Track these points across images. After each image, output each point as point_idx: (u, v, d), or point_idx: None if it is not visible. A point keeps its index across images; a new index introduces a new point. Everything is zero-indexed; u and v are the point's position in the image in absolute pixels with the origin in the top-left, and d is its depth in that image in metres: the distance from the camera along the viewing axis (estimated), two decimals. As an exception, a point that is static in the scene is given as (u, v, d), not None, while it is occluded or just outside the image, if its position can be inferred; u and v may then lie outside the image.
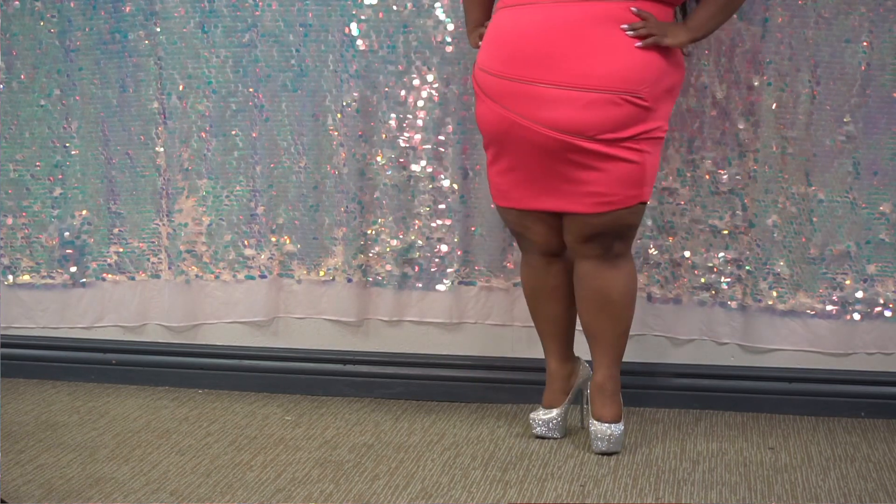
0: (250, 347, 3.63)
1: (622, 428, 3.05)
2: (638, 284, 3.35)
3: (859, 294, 3.31)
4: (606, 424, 3.04)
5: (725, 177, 3.32)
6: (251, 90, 3.48)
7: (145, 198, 3.58)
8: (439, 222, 3.46)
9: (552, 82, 2.87)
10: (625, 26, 2.84)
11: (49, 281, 3.65)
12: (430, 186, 3.44)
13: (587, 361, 3.18)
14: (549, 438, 3.15)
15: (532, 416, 3.16)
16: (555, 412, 3.14)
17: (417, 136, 3.43)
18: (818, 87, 3.24)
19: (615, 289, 3.01)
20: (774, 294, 3.34)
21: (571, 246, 3.03)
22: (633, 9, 2.85)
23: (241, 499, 2.79)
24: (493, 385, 3.46)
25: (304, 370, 3.58)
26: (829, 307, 3.32)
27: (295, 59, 3.45)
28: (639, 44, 2.85)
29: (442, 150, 3.42)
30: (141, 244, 3.60)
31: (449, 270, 3.47)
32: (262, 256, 3.55)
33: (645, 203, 2.99)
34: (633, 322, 3.33)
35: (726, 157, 3.32)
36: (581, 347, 3.16)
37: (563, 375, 3.16)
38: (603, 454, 3.04)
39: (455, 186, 3.43)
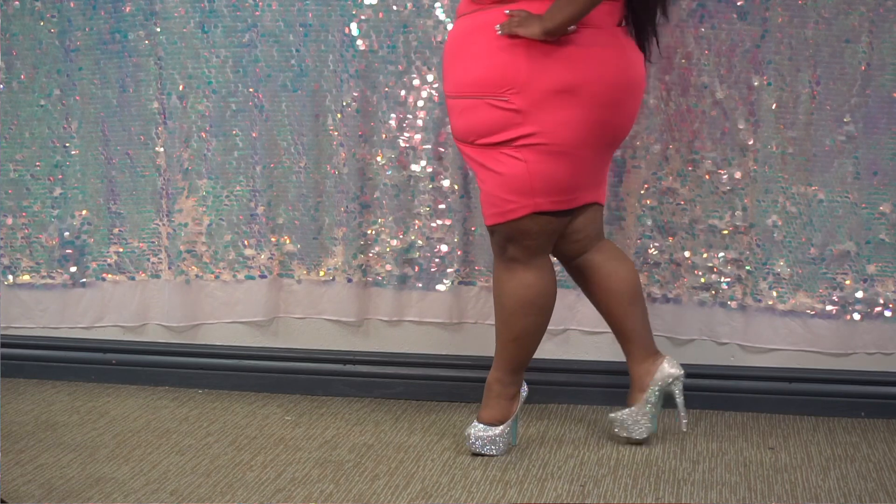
0: (250, 347, 3.63)
1: (496, 432, 3.03)
2: (640, 284, 3.32)
3: (859, 294, 3.31)
4: (482, 425, 3.04)
5: (725, 177, 3.32)
6: (251, 90, 3.48)
7: (145, 198, 3.58)
8: (439, 222, 3.46)
9: (446, 93, 2.96)
10: (497, 26, 2.80)
11: (49, 281, 3.65)
12: (430, 186, 3.44)
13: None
14: (630, 440, 3.10)
15: (609, 416, 3.12)
16: (630, 409, 3.10)
17: (417, 136, 3.43)
18: (818, 87, 3.24)
19: (504, 293, 2.97)
20: (774, 294, 3.34)
21: None
22: (506, 11, 2.81)
23: (241, 499, 2.79)
24: (493, 385, 3.46)
25: (304, 370, 3.58)
26: (829, 307, 3.32)
27: (295, 59, 3.45)
28: (498, 29, 2.80)
29: (442, 150, 3.42)
30: (141, 244, 3.60)
31: (449, 270, 3.47)
32: (262, 256, 3.55)
33: (543, 213, 2.89)
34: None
35: (726, 157, 3.32)
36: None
37: (638, 374, 3.09)
38: (474, 455, 3.03)
39: (455, 186, 3.43)
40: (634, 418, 3.09)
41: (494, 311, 3.02)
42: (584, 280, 3.09)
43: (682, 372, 3.09)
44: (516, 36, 2.80)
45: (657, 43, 3.03)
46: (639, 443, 3.10)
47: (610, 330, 3.42)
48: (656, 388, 3.07)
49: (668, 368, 3.08)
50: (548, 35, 2.77)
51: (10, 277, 3.66)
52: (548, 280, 2.98)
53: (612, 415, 3.11)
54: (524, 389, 3.09)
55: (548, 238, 2.97)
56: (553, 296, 3.01)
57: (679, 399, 3.09)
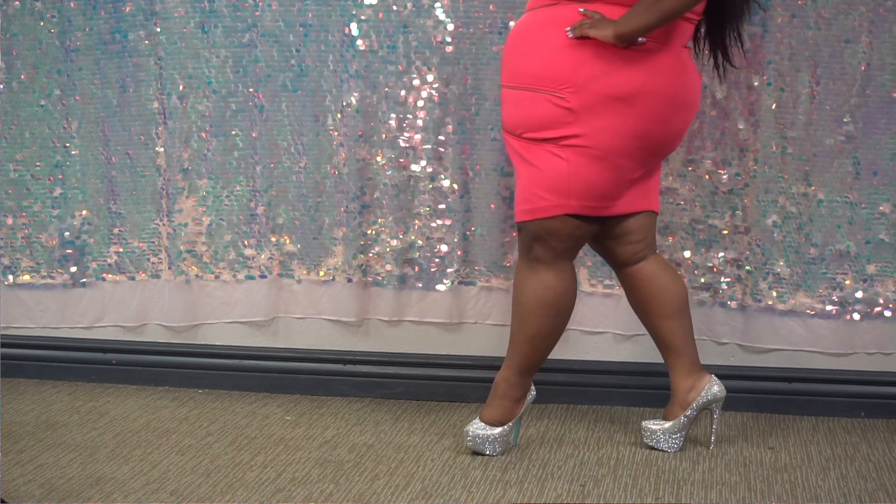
0: (250, 347, 3.63)
1: (495, 433, 3.01)
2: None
3: (859, 294, 3.31)
4: (481, 424, 3.03)
5: (725, 177, 3.32)
6: (251, 90, 3.48)
7: (145, 198, 3.58)
8: (439, 222, 3.46)
9: (502, 83, 2.95)
10: (567, 28, 2.81)
11: (49, 281, 3.65)
12: (430, 186, 3.44)
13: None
14: (657, 450, 3.07)
15: (643, 423, 3.10)
16: (666, 424, 3.06)
17: (417, 136, 3.43)
18: (818, 87, 3.24)
19: (524, 292, 2.96)
20: (774, 294, 3.34)
21: None
22: (580, 9, 2.81)
23: (241, 499, 2.79)
24: (493, 385, 3.46)
25: (304, 370, 3.58)
26: (828, 307, 3.32)
27: (295, 59, 3.45)
28: (569, 32, 2.80)
29: (442, 150, 3.42)
30: (141, 244, 3.60)
31: (449, 270, 3.47)
32: (262, 256, 3.55)
33: (574, 217, 2.89)
34: (633, 323, 3.33)
35: (726, 157, 3.32)
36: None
37: (682, 389, 3.06)
38: (473, 454, 3.03)
39: (455, 186, 3.43)
40: (670, 434, 3.06)
41: (512, 309, 3.01)
42: (636, 290, 3.06)
43: (726, 393, 3.07)
44: (586, 37, 2.79)
45: (741, 44, 3.02)
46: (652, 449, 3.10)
47: (608, 332, 3.43)
48: (697, 407, 3.05)
49: (714, 389, 3.04)
50: (619, 39, 2.77)
51: (11, 277, 3.66)
52: (569, 284, 2.97)
53: (648, 425, 3.08)
54: (532, 393, 3.08)
55: (575, 242, 2.95)
56: (572, 301, 2.99)
57: (716, 420, 3.08)
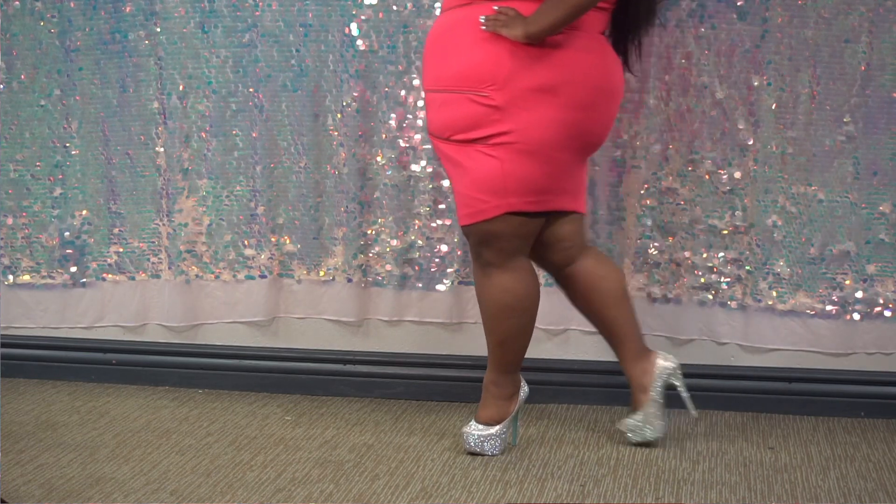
0: (250, 347, 3.63)
1: (492, 432, 3.02)
2: (636, 285, 3.34)
3: (859, 294, 3.31)
4: (476, 425, 3.04)
5: (725, 177, 3.32)
6: (251, 90, 3.48)
7: (145, 198, 3.58)
8: (439, 222, 3.46)
9: (425, 87, 2.96)
10: (482, 18, 2.79)
11: (49, 281, 3.65)
12: (430, 186, 3.45)
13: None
14: (649, 444, 3.08)
15: (620, 424, 3.10)
16: (640, 414, 3.07)
17: (417, 136, 3.43)
18: (818, 87, 3.24)
19: (484, 298, 2.97)
20: (774, 294, 3.35)
21: None
22: (495, 7, 2.80)
23: (241, 499, 2.79)
24: (493, 385, 3.46)
25: (304, 370, 3.58)
26: (828, 307, 3.33)
27: (295, 59, 3.45)
28: (482, 22, 2.79)
29: (442, 150, 3.42)
30: (141, 244, 3.60)
31: (449, 270, 3.48)
32: (262, 256, 3.56)
33: (517, 214, 2.87)
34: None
35: (726, 157, 3.32)
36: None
37: (636, 374, 3.07)
38: (470, 454, 3.03)
39: (455, 186, 3.43)
40: (647, 420, 3.07)
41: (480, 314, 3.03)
42: (574, 286, 3.07)
43: (678, 362, 3.08)
44: (516, 43, 2.79)
45: (639, 53, 3.02)
46: (649, 443, 3.09)
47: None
48: (658, 385, 3.06)
49: (664, 363, 3.06)
50: (529, 39, 2.77)
51: (11, 277, 3.66)
52: (527, 282, 2.96)
53: (624, 421, 3.09)
54: (524, 389, 3.09)
55: (522, 240, 2.94)
56: (534, 297, 2.98)
57: (682, 390, 3.08)
